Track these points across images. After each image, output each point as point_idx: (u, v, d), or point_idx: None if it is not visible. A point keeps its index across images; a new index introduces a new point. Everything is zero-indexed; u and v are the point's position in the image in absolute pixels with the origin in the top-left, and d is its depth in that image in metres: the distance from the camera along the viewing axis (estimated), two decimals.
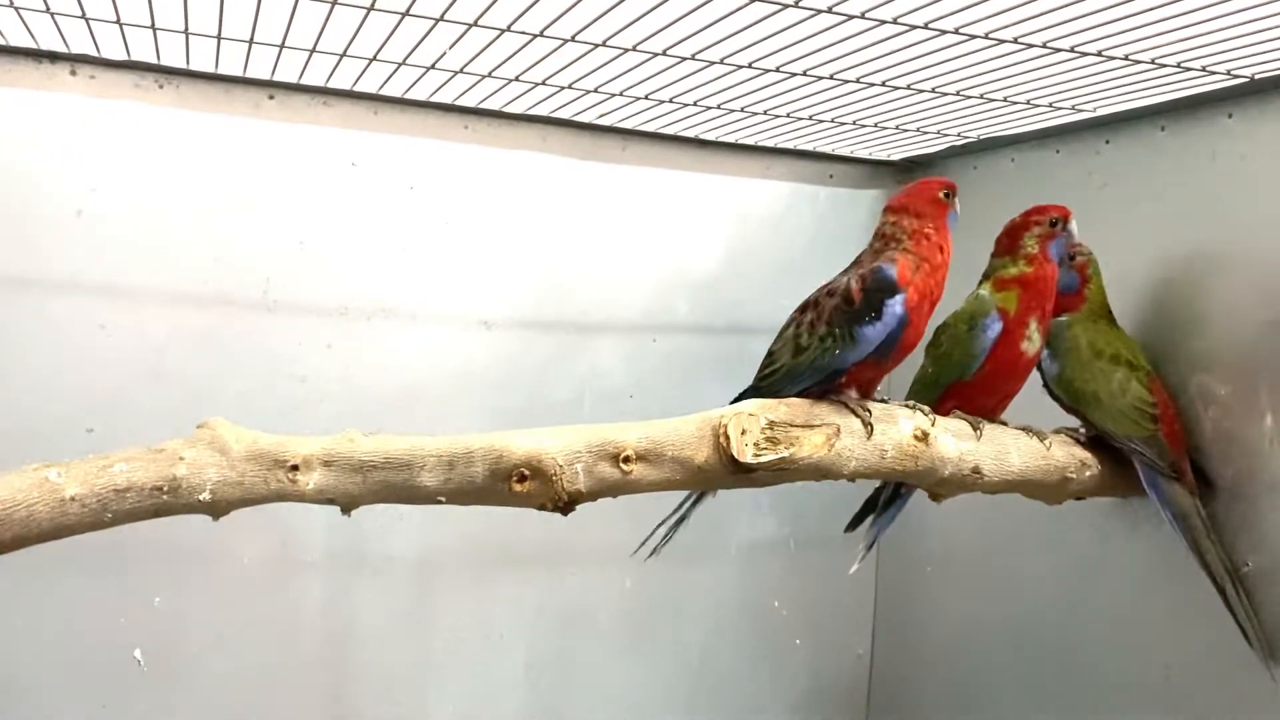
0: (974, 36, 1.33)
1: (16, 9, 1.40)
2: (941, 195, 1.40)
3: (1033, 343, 1.47)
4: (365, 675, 1.88)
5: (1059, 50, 1.37)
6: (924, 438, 1.36)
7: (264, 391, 1.76)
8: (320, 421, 1.23)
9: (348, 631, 1.86)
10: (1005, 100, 1.62)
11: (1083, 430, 1.53)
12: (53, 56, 1.63)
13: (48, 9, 1.39)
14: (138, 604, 1.73)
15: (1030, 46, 1.36)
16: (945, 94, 1.61)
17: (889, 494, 1.55)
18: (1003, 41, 1.35)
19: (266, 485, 1.15)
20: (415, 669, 1.91)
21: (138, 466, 1.10)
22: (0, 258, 1.60)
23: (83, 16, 1.42)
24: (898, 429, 1.35)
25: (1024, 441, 1.46)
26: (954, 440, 1.39)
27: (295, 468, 1.15)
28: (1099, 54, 1.37)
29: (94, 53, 1.61)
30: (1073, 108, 1.64)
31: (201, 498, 1.12)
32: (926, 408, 1.40)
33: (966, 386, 1.49)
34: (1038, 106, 1.64)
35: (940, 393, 1.51)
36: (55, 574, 1.63)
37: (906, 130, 1.86)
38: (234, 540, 1.76)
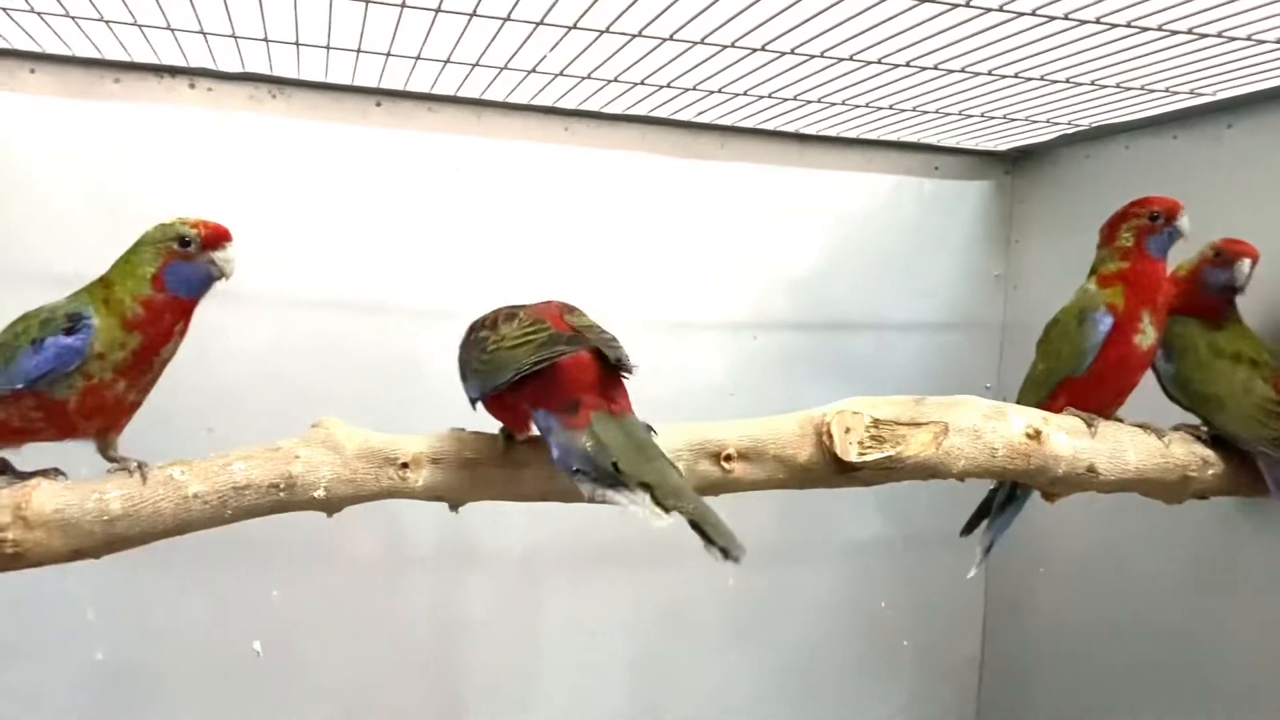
0: (1084, 22, 1.29)
1: (140, 27, 1.46)
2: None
3: (1147, 336, 1.42)
4: (472, 668, 1.92)
5: (1176, 33, 1.31)
6: (1036, 435, 1.32)
7: (374, 391, 1.80)
8: (429, 420, 1.25)
9: (456, 625, 1.90)
10: (1118, 86, 1.57)
11: (1204, 427, 1.47)
12: (173, 71, 1.70)
13: (168, 26, 1.45)
14: (257, 597, 1.79)
15: (1145, 30, 1.31)
16: (1055, 81, 1.56)
17: (1004, 495, 1.52)
18: (1115, 26, 1.30)
19: (378, 482, 1.17)
20: (521, 663, 1.94)
21: (255, 465, 1.13)
22: None
23: (200, 31, 1.48)
24: (1008, 426, 1.32)
25: (1141, 439, 1.41)
26: (1067, 438, 1.35)
27: (405, 465, 1.17)
28: (1219, 35, 1.32)
29: (211, 65, 1.67)
30: (1191, 92, 1.57)
31: (316, 495, 1.15)
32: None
33: (1079, 382, 1.44)
34: (1154, 91, 1.59)
35: (1052, 389, 1.46)
36: (180, 568, 1.70)
37: (1015, 120, 1.82)
38: (347, 536, 1.81)
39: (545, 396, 1.09)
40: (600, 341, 1.11)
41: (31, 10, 1.41)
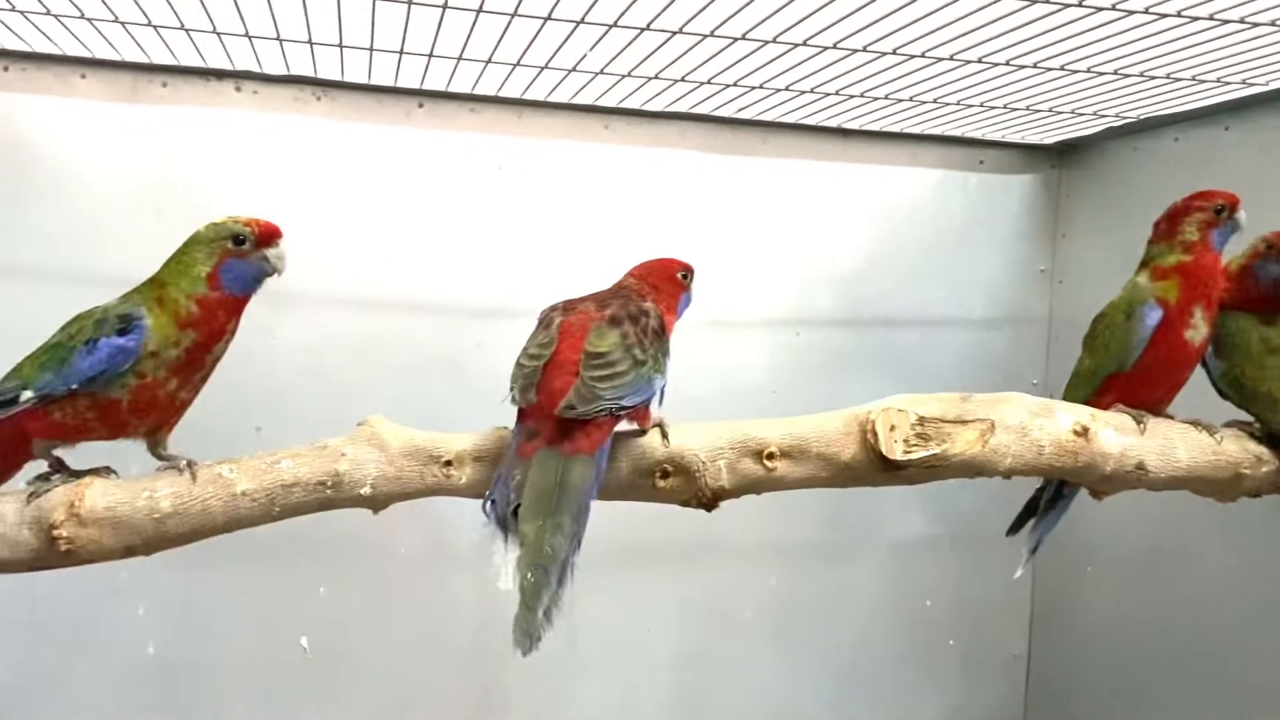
0: (1133, 12, 1.27)
1: (187, 31, 1.48)
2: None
3: (1198, 332, 1.39)
4: (515, 664, 1.90)
5: (1228, 22, 1.29)
6: (1084, 433, 1.30)
7: (418, 389, 1.82)
8: (471, 418, 1.26)
9: (500, 621, 1.89)
10: (1168, 77, 1.54)
11: (1258, 424, 1.44)
12: (219, 74, 1.73)
13: (214, 30, 1.47)
14: (304, 594, 1.81)
15: (1196, 20, 1.29)
16: (1102, 73, 1.54)
17: (1050, 494, 1.50)
18: (1165, 16, 1.28)
19: (422, 480, 1.18)
20: (563, 660, 1.94)
21: (303, 463, 1.15)
22: None
23: (246, 35, 1.50)
24: (1055, 423, 1.30)
25: (1192, 436, 1.38)
26: (1116, 435, 1.33)
27: (449, 463, 1.18)
28: (1273, 24, 1.29)
29: (256, 68, 1.69)
30: (1243, 82, 1.54)
31: (362, 492, 1.16)
32: None
33: (1127, 378, 1.42)
34: (1204, 82, 1.56)
35: (1099, 385, 1.44)
36: (228, 565, 1.73)
37: (1061, 113, 1.79)
38: (392, 534, 1.82)
39: (522, 415, 1.15)
40: (584, 380, 1.13)
41: (82, 16, 1.44)
